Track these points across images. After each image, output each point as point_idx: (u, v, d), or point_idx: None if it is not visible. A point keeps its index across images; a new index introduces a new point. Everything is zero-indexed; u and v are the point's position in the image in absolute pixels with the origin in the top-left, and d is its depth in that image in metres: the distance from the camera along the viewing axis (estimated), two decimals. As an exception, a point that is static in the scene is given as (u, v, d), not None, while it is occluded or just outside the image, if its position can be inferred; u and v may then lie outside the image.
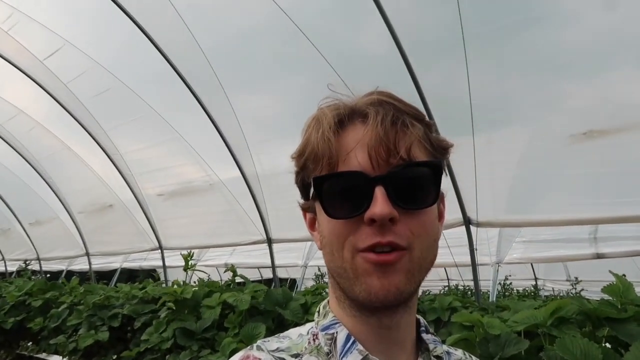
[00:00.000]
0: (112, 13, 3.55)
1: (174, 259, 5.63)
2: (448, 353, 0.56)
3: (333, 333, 0.51)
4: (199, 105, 4.00)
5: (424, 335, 0.54)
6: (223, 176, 4.58)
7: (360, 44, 3.17)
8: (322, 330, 0.52)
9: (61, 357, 3.31)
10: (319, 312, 0.55)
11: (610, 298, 1.42)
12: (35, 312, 3.76)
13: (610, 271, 1.50)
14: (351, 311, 0.50)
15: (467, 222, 3.01)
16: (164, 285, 4.50)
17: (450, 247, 3.56)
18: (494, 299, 4.93)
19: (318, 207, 0.51)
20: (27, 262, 7.18)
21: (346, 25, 3.11)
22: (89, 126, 5.03)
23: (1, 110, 5.56)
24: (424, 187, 0.49)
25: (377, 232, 0.46)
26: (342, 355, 0.49)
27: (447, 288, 8.59)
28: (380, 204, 0.45)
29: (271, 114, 4.09)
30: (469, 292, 7.46)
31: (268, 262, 4.59)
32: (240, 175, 4.24)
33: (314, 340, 0.52)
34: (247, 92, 3.90)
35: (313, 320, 0.55)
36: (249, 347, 0.53)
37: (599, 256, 5.02)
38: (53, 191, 6.48)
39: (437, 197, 0.49)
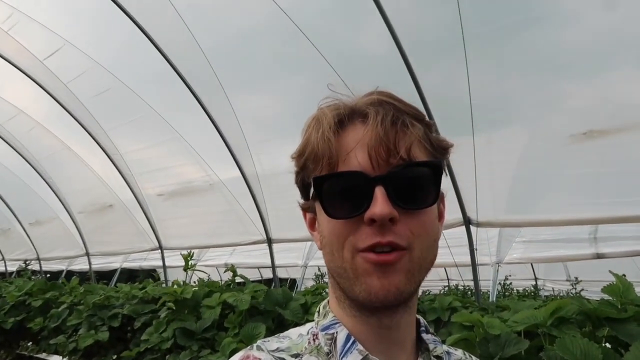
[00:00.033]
0: (112, 13, 3.55)
1: (174, 259, 5.63)
2: (448, 353, 0.56)
3: (333, 333, 0.51)
4: (199, 105, 4.00)
5: (424, 335, 0.54)
6: (223, 176, 4.58)
7: (360, 44, 3.17)
8: (322, 330, 0.52)
9: (61, 357, 3.31)
10: (319, 312, 0.55)
11: (610, 298, 1.42)
12: (35, 312, 3.76)
13: (610, 271, 1.50)
14: (351, 311, 0.51)
15: (467, 222, 3.01)
16: (164, 285, 4.50)
17: (450, 247, 3.56)
18: (494, 299, 4.93)
19: (318, 207, 0.51)
20: (27, 262, 7.18)
21: (346, 25, 3.11)
22: (89, 126, 5.04)
23: (1, 110, 5.56)
24: (424, 187, 0.49)
25: (377, 232, 0.46)
26: (342, 355, 0.49)
27: (447, 288, 8.59)
28: (380, 204, 0.45)
29: (271, 113, 4.09)
30: (469, 292, 7.46)
31: (268, 262, 4.59)
32: (240, 175, 4.24)
33: (314, 340, 0.52)
34: (247, 92, 3.90)
35: (313, 320, 0.55)
36: (248, 347, 0.53)
37: (599, 256, 5.02)
38: (53, 191, 6.49)
39: (437, 197, 0.49)
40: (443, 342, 0.60)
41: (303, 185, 0.54)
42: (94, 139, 5.12)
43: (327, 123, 0.50)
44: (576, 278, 6.87)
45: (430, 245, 0.49)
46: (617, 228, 4.77)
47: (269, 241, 4.42)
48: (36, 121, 5.54)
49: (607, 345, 1.32)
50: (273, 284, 4.56)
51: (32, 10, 4.00)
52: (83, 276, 7.34)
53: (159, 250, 5.65)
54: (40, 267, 8.33)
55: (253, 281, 2.91)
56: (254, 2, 3.20)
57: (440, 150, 0.53)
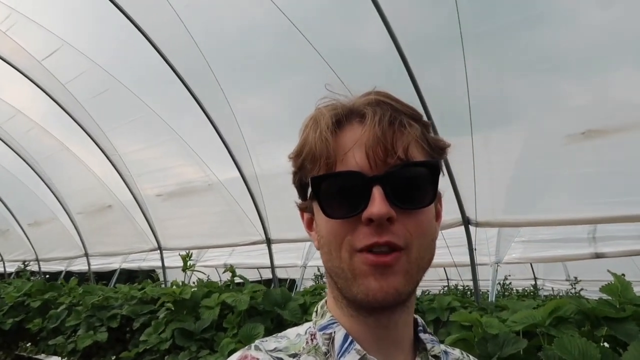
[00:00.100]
0: (111, 14, 3.54)
1: (173, 260, 5.61)
2: (446, 352, 0.57)
3: (331, 333, 0.51)
4: (197, 105, 4.00)
5: (422, 335, 0.54)
6: (222, 177, 4.58)
7: (359, 43, 3.18)
8: (320, 330, 0.52)
9: (60, 357, 3.31)
10: (316, 312, 0.55)
11: (609, 297, 1.42)
12: (34, 313, 3.76)
13: (608, 270, 1.50)
14: (349, 311, 0.51)
15: (466, 222, 3.01)
16: (163, 285, 4.50)
17: (450, 247, 3.57)
18: (493, 299, 4.94)
19: (316, 207, 0.51)
20: (26, 263, 7.17)
21: (344, 25, 3.11)
22: (88, 127, 5.03)
23: (0, 111, 5.55)
24: (422, 187, 0.49)
25: (374, 231, 0.46)
26: (339, 355, 0.49)
27: (446, 288, 8.60)
28: (377, 204, 0.45)
29: (270, 114, 4.09)
30: (469, 292, 7.46)
31: (267, 262, 4.59)
32: (239, 175, 4.24)
33: (311, 340, 0.52)
34: (246, 92, 3.90)
35: (311, 320, 0.55)
36: (246, 347, 0.53)
37: (598, 256, 5.03)
38: (52, 192, 6.48)
39: (434, 197, 0.50)
40: (442, 341, 0.60)
41: (301, 185, 0.54)
42: (92, 139, 5.12)
43: (325, 123, 0.50)
44: (575, 278, 6.88)
45: (428, 245, 0.49)
46: (616, 227, 4.78)
47: (268, 241, 4.42)
48: (35, 122, 5.53)
49: (606, 344, 1.32)
50: (272, 285, 4.56)
51: (31, 10, 4.00)
52: (82, 277, 7.33)
53: (158, 251, 5.64)
54: (39, 268, 8.32)
55: (252, 281, 2.90)
56: (252, 2, 3.20)
57: (437, 150, 0.53)
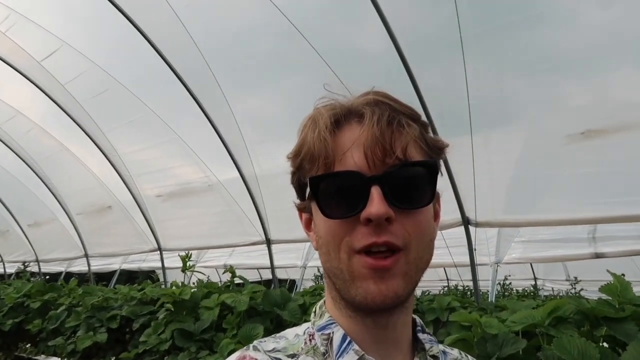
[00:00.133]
0: (110, 15, 3.55)
1: (173, 260, 5.61)
2: (444, 352, 0.56)
3: (329, 333, 0.51)
4: (197, 105, 4.00)
5: (420, 335, 0.54)
6: (222, 177, 4.58)
7: (359, 44, 3.18)
8: (319, 330, 0.52)
9: (60, 358, 3.30)
10: (315, 312, 0.55)
11: (608, 297, 1.42)
12: (33, 314, 3.75)
13: (608, 270, 1.50)
14: (347, 312, 0.51)
15: (465, 222, 3.01)
16: (163, 286, 4.50)
17: (449, 247, 3.57)
18: (493, 299, 4.94)
19: (314, 207, 0.51)
20: (26, 264, 7.16)
21: (344, 26, 3.11)
22: (87, 127, 5.03)
23: (-1, 112, 5.56)
24: (420, 187, 0.49)
25: (373, 231, 0.46)
26: (338, 356, 0.49)
27: (446, 288, 8.59)
28: (376, 204, 0.45)
29: (269, 114, 4.09)
30: (469, 293, 7.46)
31: (267, 263, 4.59)
32: (239, 176, 4.24)
33: (310, 340, 0.52)
34: (246, 92, 3.90)
35: (310, 321, 0.55)
36: (245, 347, 0.53)
37: (597, 256, 5.03)
38: (51, 192, 6.47)
39: (432, 196, 0.50)
40: (441, 342, 0.60)
41: (299, 186, 0.54)
42: (92, 140, 5.11)
43: (324, 123, 0.50)
44: (575, 278, 6.88)
45: (426, 245, 0.49)
46: (616, 227, 4.78)
47: (268, 242, 4.42)
48: (34, 122, 5.53)
49: (605, 344, 1.32)
50: (272, 285, 4.56)
51: (30, 11, 4.00)
52: (82, 278, 7.33)
53: (158, 252, 5.64)
54: (39, 268, 8.32)
55: (252, 282, 2.90)
56: (252, 2, 3.20)
57: (435, 150, 0.53)
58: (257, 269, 8.37)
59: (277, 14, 3.04)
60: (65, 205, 6.52)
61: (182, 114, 4.32)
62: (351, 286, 0.47)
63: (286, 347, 0.52)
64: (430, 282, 8.98)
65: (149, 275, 5.85)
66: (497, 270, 5.28)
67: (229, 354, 0.50)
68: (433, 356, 0.53)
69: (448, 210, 2.97)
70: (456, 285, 8.55)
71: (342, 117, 0.51)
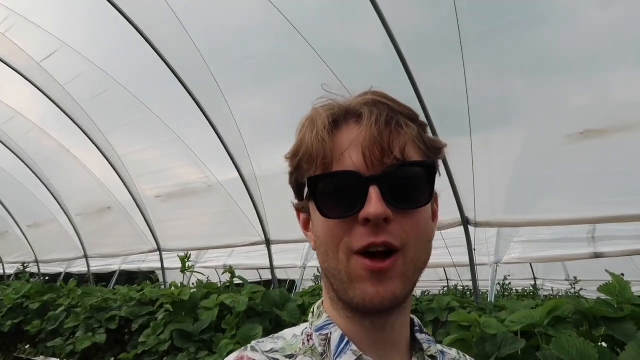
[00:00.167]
0: (109, 15, 3.55)
1: (173, 261, 5.60)
2: (442, 352, 0.56)
3: (327, 334, 0.51)
4: (196, 106, 4.00)
5: (418, 335, 0.54)
6: (221, 177, 4.58)
7: (358, 44, 3.18)
8: (316, 330, 0.52)
9: (59, 359, 3.30)
10: (313, 312, 0.55)
11: (607, 297, 1.42)
12: (32, 315, 3.75)
13: (606, 270, 1.50)
14: (345, 312, 0.50)
15: (465, 222, 3.01)
16: (162, 287, 4.49)
17: (449, 247, 3.57)
18: (493, 299, 4.93)
19: (312, 207, 0.51)
20: (25, 265, 7.15)
21: (344, 26, 3.11)
22: (87, 128, 5.03)
23: (-1, 112, 5.55)
24: (418, 187, 0.49)
25: (371, 232, 0.46)
26: (336, 356, 0.49)
27: (446, 288, 8.59)
28: (374, 204, 0.45)
29: (269, 114, 4.09)
30: (468, 293, 7.46)
31: (267, 263, 4.59)
32: (239, 176, 4.24)
33: (308, 340, 0.52)
34: (245, 92, 3.90)
35: (308, 321, 0.55)
36: (243, 347, 0.53)
37: (597, 255, 5.03)
38: (51, 193, 6.47)
39: (431, 197, 0.50)
40: (440, 342, 0.60)
41: (297, 186, 0.54)
42: (91, 140, 5.11)
43: (322, 123, 0.50)
44: (575, 278, 6.87)
45: (424, 246, 0.49)
46: (615, 227, 4.78)
47: (268, 242, 4.42)
48: (33, 123, 5.52)
49: (604, 344, 1.32)
50: (272, 286, 4.56)
51: (29, 12, 4.00)
52: (82, 278, 7.32)
53: (158, 252, 5.64)
54: (39, 269, 8.31)
55: (252, 282, 2.90)
56: (252, 3, 3.21)
57: (434, 150, 0.53)
58: (257, 269, 8.36)
59: (276, 14, 3.04)
60: (64, 206, 6.51)
61: (182, 115, 4.32)
62: (349, 288, 0.47)
63: (284, 348, 0.52)
64: (430, 282, 8.98)
65: (149, 276, 5.85)
66: (496, 270, 5.27)
67: (228, 354, 0.50)
68: (431, 356, 0.53)
69: (447, 210, 2.97)
70: (456, 286, 8.54)
71: (340, 117, 0.51)
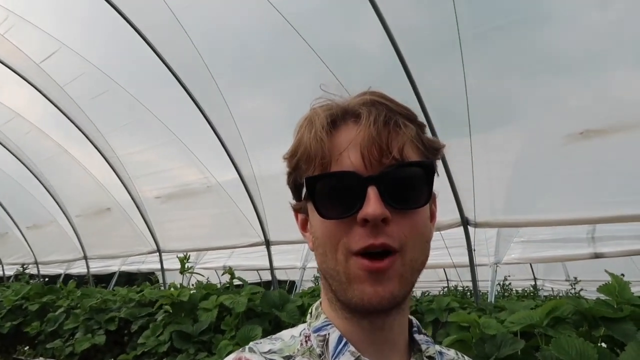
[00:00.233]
0: (108, 16, 3.55)
1: (172, 262, 5.60)
2: (440, 353, 0.56)
3: (325, 334, 0.51)
4: (195, 107, 4.00)
5: (417, 336, 0.54)
6: (220, 178, 4.57)
7: (358, 44, 3.18)
8: (314, 331, 0.52)
9: (58, 361, 3.29)
10: (311, 313, 0.55)
11: (607, 298, 1.42)
12: (32, 316, 3.75)
13: (606, 270, 1.50)
14: (343, 313, 0.50)
15: (464, 222, 3.01)
16: (162, 288, 4.49)
17: (449, 247, 3.56)
18: (493, 300, 4.93)
19: (310, 207, 0.51)
20: (25, 266, 7.14)
21: (343, 26, 3.11)
22: (86, 129, 5.03)
23: (-2, 114, 5.55)
24: (417, 187, 0.48)
25: (370, 233, 0.46)
26: (334, 357, 0.49)
27: (446, 289, 8.58)
28: (373, 204, 0.45)
29: (269, 115, 4.09)
30: (468, 293, 7.45)
31: (266, 264, 4.58)
32: (238, 177, 4.24)
33: (306, 341, 0.52)
34: (244, 93, 3.90)
35: (306, 322, 0.55)
36: (241, 349, 0.52)
37: (597, 256, 5.03)
38: (50, 194, 6.46)
39: (429, 197, 0.49)
40: (440, 342, 0.60)
41: (295, 186, 0.54)
42: (91, 141, 5.11)
43: (320, 123, 0.49)
44: (575, 278, 6.87)
45: (422, 247, 0.49)
46: (615, 227, 4.78)
47: (267, 243, 4.41)
48: (33, 124, 5.52)
49: (603, 344, 1.32)
50: (272, 286, 4.56)
51: (28, 13, 4.00)
52: (81, 280, 7.32)
53: (157, 253, 5.63)
54: (38, 271, 8.30)
55: (252, 283, 2.90)
56: (251, 4, 3.21)
57: (432, 151, 0.52)
58: (257, 270, 8.35)
59: (275, 14, 3.04)
60: (64, 207, 6.51)
61: (181, 115, 4.32)
62: (348, 288, 0.47)
63: (282, 349, 0.51)
64: (430, 282, 8.97)
65: (148, 277, 5.84)
66: (496, 271, 5.27)
67: (227, 355, 0.50)
68: (429, 357, 0.53)
69: (447, 210, 2.97)
70: (456, 286, 8.54)
71: (338, 118, 0.50)
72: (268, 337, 0.55)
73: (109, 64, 4.22)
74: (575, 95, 2.55)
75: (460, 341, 1.41)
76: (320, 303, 0.55)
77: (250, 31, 3.44)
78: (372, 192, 0.46)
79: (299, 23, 3.05)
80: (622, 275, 1.57)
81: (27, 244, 8.00)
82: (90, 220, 6.34)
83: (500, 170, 2.84)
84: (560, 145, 2.55)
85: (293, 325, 0.57)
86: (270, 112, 4.08)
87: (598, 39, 2.34)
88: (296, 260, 6.92)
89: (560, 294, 7.23)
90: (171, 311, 2.60)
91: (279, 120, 3.88)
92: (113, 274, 9.36)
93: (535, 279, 8.56)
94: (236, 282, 3.00)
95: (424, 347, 0.53)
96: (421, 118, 0.54)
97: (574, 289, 6.58)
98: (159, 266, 5.83)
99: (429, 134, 0.55)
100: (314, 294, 2.88)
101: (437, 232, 3.21)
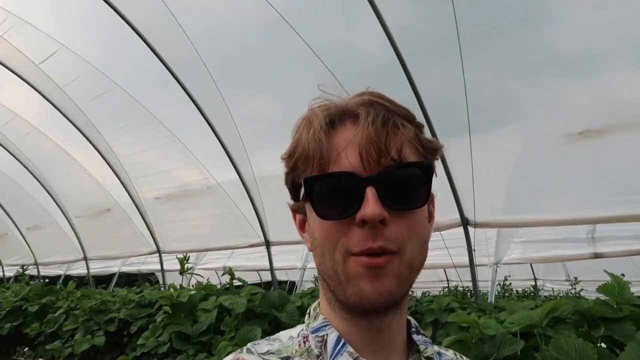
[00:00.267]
0: (107, 17, 3.55)
1: (172, 263, 5.59)
2: (439, 354, 0.56)
3: (323, 335, 0.51)
4: (195, 107, 4.00)
5: (415, 337, 0.54)
6: (220, 179, 4.57)
7: (356, 44, 3.18)
8: (313, 332, 0.52)
9: (58, 362, 3.29)
10: (309, 314, 0.55)
11: (607, 298, 1.41)
12: (31, 318, 3.75)
13: (605, 270, 1.49)
14: (342, 313, 0.50)
15: (464, 222, 3.01)
16: (162, 289, 4.49)
17: (449, 247, 3.57)
18: (493, 300, 4.93)
19: (309, 208, 0.51)
20: (25, 267, 7.14)
21: (343, 27, 3.12)
22: (86, 130, 5.03)
23: (-2, 115, 5.55)
24: (415, 188, 0.48)
25: (368, 235, 0.45)
26: (332, 357, 0.49)
27: (446, 289, 8.58)
28: (371, 205, 0.45)
29: (269, 115, 4.09)
30: (469, 294, 7.44)
31: (267, 264, 4.58)
32: (238, 178, 4.24)
33: (304, 342, 0.51)
34: (244, 93, 3.90)
35: (304, 323, 0.55)
36: (239, 350, 0.52)
37: (597, 256, 5.02)
38: (50, 195, 6.46)
39: (427, 197, 0.49)
40: (439, 343, 0.59)
41: (293, 186, 0.54)
42: (90, 142, 5.11)
43: (318, 123, 0.49)
44: (575, 278, 6.86)
45: (420, 247, 0.49)
46: (615, 227, 4.78)
47: (267, 244, 4.41)
48: (32, 125, 5.53)
49: (603, 345, 1.31)
50: (272, 287, 4.55)
51: (27, 14, 4.00)
52: (81, 281, 7.32)
53: (157, 254, 5.63)
54: (38, 272, 8.30)
55: (252, 284, 2.90)
56: (251, 4, 3.21)
57: (430, 151, 0.52)
58: (257, 270, 8.35)
59: (275, 14, 3.04)
60: (64, 208, 6.51)
61: (181, 116, 4.32)
62: (347, 286, 0.46)
63: (280, 350, 0.51)
64: (430, 283, 8.97)
65: (148, 278, 5.84)
66: (496, 271, 5.26)
67: (225, 356, 0.50)
68: (427, 357, 0.53)
69: (447, 210, 2.97)
70: (456, 286, 8.54)
71: (336, 118, 0.50)
72: (266, 337, 0.55)
73: (108, 64, 4.22)
74: (575, 95, 2.55)
75: (459, 341, 1.41)
76: (319, 304, 0.55)
77: (249, 31, 3.44)
78: (370, 193, 0.45)
79: (298, 23, 3.05)
80: (622, 275, 1.56)
81: (27, 245, 8.00)
82: (90, 221, 6.34)
83: (500, 170, 2.84)
84: (560, 145, 2.55)
85: (292, 326, 0.57)
86: (270, 112, 4.08)
87: (598, 38, 2.34)
88: (296, 260, 6.92)
89: (561, 294, 7.23)
90: (171, 312, 2.60)
91: (278, 121, 3.88)
92: (113, 274, 9.36)
93: (535, 279, 8.55)
94: (236, 282, 2.99)
95: (422, 347, 0.53)
96: (420, 118, 0.54)
97: (574, 289, 6.57)
98: (159, 267, 5.82)
99: (427, 134, 0.55)
100: (313, 294, 2.88)
101: (437, 233, 3.20)
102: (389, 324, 0.50)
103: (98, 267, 8.33)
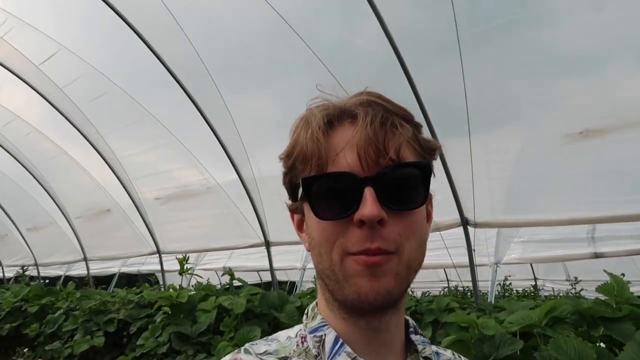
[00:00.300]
0: (108, 18, 3.55)
1: (172, 263, 5.59)
2: (437, 354, 0.56)
3: (321, 335, 0.51)
4: (195, 108, 4.00)
5: (413, 337, 0.54)
6: (220, 179, 4.58)
7: (356, 45, 3.18)
8: (311, 332, 0.52)
9: (57, 363, 3.29)
10: (307, 314, 0.55)
11: (606, 297, 1.41)
12: (31, 318, 3.74)
13: (604, 270, 1.49)
14: (340, 313, 0.50)
15: (464, 222, 3.01)
16: (162, 289, 4.48)
17: (449, 248, 3.56)
18: (493, 300, 4.93)
19: (307, 208, 0.51)
20: (25, 268, 7.14)
21: (342, 27, 3.12)
22: (86, 130, 5.03)
23: (-2, 115, 5.55)
24: (413, 188, 0.48)
25: (366, 236, 0.45)
26: (330, 358, 0.49)
27: (446, 289, 8.58)
28: (369, 205, 0.45)
29: (268, 116, 4.09)
30: (469, 293, 7.44)
31: (266, 265, 4.58)
32: (238, 178, 4.24)
33: (302, 342, 0.51)
34: (244, 94, 3.90)
35: (302, 323, 0.55)
36: (236, 350, 0.52)
37: (597, 255, 5.02)
38: (50, 196, 6.46)
39: (426, 198, 0.49)
40: (439, 342, 0.59)
41: (291, 186, 0.54)
42: (90, 143, 5.11)
43: (317, 123, 0.49)
44: (575, 278, 6.86)
45: (419, 247, 0.49)
46: (615, 227, 4.78)
47: (267, 244, 4.41)
48: (32, 126, 5.53)
49: (602, 344, 1.31)
50: (272, 287, 4.55)
51: (27, 15, 4.00)
52: (81, 281, 7.32)
53: (157, 255, 5.63)
54: (38, 272, 8.29)
55: (252, 284, 2.90)
56: (251, 5, 3.21)
57: (429, 151, 0.52)
58: (257, 271, 8.35)
59: (275, 17, 3.04)
60: (64, 208, 6.51)
61: (180, 117, 4.32)
62: (345, 285, 0.46)
63: (278, 350, 0.51)
64: (430, 283, 8.97)
65: (148, 279, 5.84)
66: (496, 271, 5.26)
67: (224, 356, 0.50)
68: (426, 357, 0.53)
69: (446, 210, 2.97)
70: (456, 286, 8.53)
71: (335, 118, 0.50)
72: (264, 338, 0.55)
73: (108, 65, 4.23)
74: (574, 95, 2.55)
75: (459, 341, 1.41)
76: (317, 304, 0.55)
77: (249, 31, 3.44)
78: (368, 193, 0.45)
79: (298, 23, 3.05)
80: (622, 275, 1.56)
81: (27, 245, 7.99)
82: (90, 221, 6.34)
83: (500, 170, 2.84)
84: (560, 145, 2.55)
85: (291, 327, 0.57)
86: (269, 112, 4.08)
87: (598, 38, 2.34)
88: (296, 261, 6.91)
89: (561, 294, 7.23)
90: (170, 312, 2.60)
91: (278, 121, 3.88)
92: (113, 275, 9.36)
93: (535, 279, 8.55)
94: (236, 283, 2.99)
95: (420, 347, 0.53)
96: (420, 118, 0.54)
97: (575, 289, 6.57)
98: (159, 267, 5.82)
99: (426, 134, 0.55)
100: (313, 294, 2.88)
101: (437, 233, 3.20)
102: (387, 323, 0.50)
103: (98, 268, 8.32)
